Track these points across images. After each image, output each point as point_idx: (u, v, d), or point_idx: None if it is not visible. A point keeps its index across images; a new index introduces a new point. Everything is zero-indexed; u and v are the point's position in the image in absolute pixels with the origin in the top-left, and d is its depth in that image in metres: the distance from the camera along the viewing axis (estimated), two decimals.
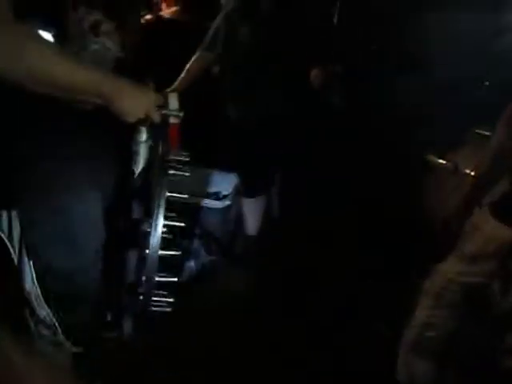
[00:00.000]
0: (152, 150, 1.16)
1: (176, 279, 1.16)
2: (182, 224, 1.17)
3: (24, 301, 1.11)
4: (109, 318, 1.47)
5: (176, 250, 1.14)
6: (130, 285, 1.29)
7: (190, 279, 2.12)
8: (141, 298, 1.14)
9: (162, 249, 1.09)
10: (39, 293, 1.10)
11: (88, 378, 1.30)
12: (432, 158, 1.71)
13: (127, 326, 1.40)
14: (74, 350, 1.24)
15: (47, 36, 1.06)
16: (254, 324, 1.99)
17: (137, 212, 1.27)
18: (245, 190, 2.41)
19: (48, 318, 1.15)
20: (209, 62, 2.25)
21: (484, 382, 1.20)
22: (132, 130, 1.14)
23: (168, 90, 1.32)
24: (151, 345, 1.63)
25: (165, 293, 1.17)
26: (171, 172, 1.12)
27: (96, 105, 1.00)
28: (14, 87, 0.89)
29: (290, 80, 2.07)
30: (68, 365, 1.24)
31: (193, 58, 2.24)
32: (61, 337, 1.19)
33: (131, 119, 1.04)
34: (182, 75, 2.23)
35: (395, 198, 1.83)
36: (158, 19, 2.81)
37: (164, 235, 1.13)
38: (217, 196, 2.54)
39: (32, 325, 1.15)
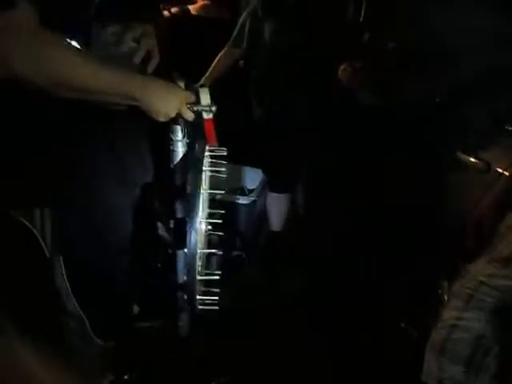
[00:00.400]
0: (188, 148, 1.16)
1: (218, 277, 1.17)
2: (219, 221, 1.19)
3: (54, 295, 1.13)
4: (137, 310, 1.49)
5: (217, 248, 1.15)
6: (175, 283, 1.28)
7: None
8: (185, 296, 1.14)
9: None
10: (69, 287, 1.13)
11: (118, 372, 1.33)
12: (463, 156, 1.67)
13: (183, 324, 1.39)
14: (102, 343, 1.27)
15: (74, 43, 1.06)
16: (278, 321, 1.99)
17: (179, 210, 1.26)
18: (271, 184, 2.40)
19: (76, 312, 1.18)
20: (236, 58, 2.25)
21: None
22: (168, 128, 1.14)
23: (197, 84, 1.29)
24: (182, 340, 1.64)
25: (214, 290, 1.18)
26: (209, 168, 1.13)
27: (128, 105, 1.01)
28: (40, 92, 0.91)
29: (315, 77, 2.06)
30: (97, 358, 1.27)
31: (220, 54, 2.25)
32: (89, 330, 1.21)
33: (162, 118, 1.05)
34: (209, 71, 2.24)
35: (425, 197, 1.80)
36: (185, 13, 2.80)
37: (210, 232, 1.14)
38: (242, 191, 2.54)
39: (62, 319, 1.17)
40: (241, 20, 2.21)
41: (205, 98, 1.09)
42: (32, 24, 0.88)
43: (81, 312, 1.17)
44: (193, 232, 1.07)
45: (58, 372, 0.99)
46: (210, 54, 2.27)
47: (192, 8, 2.81)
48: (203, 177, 1.13)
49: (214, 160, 1.15)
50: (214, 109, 1.10)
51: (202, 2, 2.79)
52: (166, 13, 2.64)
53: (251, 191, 2.51)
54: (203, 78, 2.24)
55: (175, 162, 1.16)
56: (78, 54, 0.96)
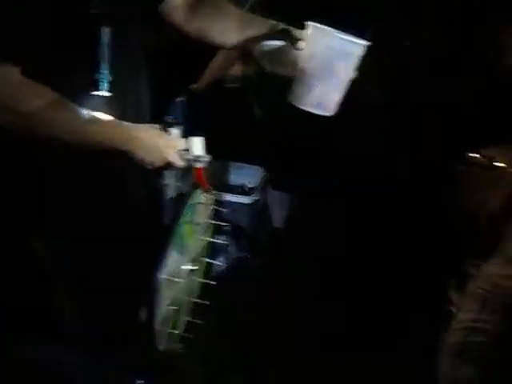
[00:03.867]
0: (179, 191, 1.16)
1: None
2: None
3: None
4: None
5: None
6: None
7: (220, 276, 2.13)
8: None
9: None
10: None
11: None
12: (472, 155, 1.68)
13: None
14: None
15: None
16: (283, 318, 2.00)
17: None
18: (274, 182, 2.39)
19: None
20: (233, 59, 2.22)
21: None
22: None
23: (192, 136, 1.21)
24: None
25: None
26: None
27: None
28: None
29: None
30: None
31: (216, 56, 2.22)
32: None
33: (149, 167, 1.03)
34: (205, 73, 2.22)
35: (432, 195, 1.81)
36: None
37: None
38: (242, 189, 2.53)
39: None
40: None
41: (197, 148, 1.05)
42: (13, 76, 0.88)
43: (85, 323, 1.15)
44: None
45: None
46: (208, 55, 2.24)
47: None
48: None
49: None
50: (205, 159, 1.06)
51: None
52: None
53: (252, 190, 2.49)
54: (200, 79, 2.22)
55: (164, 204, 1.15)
56: (61, 107, 0.94)
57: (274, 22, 1.11)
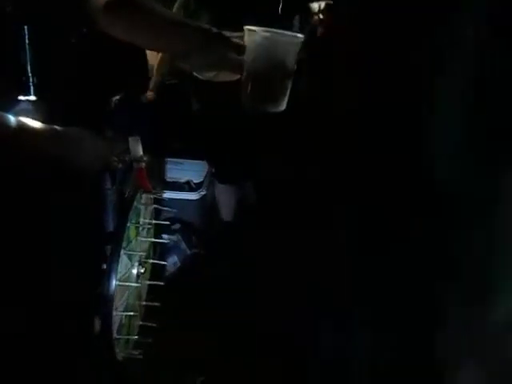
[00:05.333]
0: (119, 195, 1.15)
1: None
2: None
3: None
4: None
5: None
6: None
7: (175, 275, 2.12)
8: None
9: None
10: None
11: None
12: None
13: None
14: None
15: None
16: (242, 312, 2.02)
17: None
18: (219, 176, 2.40)
19: None
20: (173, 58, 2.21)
21: None
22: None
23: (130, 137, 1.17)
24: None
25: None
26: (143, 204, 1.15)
27: None
28: None
29: None
30: None
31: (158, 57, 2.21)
32: None
33: (87, 172, 0.99)
34: (153, 78, 2.21)
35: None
36: None
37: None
38: (189, 185, 2.52)
39: None
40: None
41: (135, 148, 1.06)
42: None
43: None
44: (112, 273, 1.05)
45: None
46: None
47: None
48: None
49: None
50: (144, 159, 1.08)
51: None
52: None
53: (198, 185, 2.49)
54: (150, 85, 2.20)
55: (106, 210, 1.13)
56: None
57: (208, 28, 1.08)
